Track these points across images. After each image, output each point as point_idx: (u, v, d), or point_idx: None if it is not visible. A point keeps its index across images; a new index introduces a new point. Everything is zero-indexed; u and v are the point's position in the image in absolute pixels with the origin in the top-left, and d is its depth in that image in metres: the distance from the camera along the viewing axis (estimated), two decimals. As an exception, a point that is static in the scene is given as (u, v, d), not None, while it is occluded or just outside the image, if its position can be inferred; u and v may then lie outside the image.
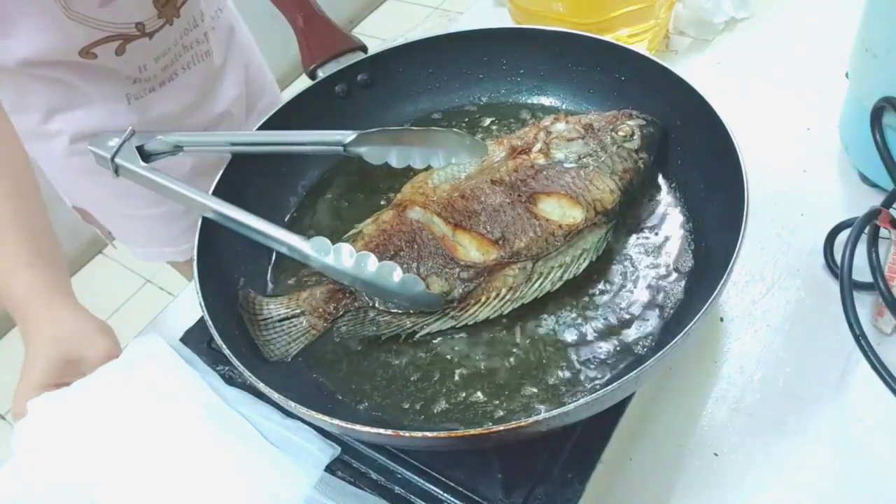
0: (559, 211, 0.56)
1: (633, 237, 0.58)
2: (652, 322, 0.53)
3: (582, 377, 0.50)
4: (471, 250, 0.55)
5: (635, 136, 0.59)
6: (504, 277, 0.54)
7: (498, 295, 0.54)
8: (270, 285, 0.60)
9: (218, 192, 0.57)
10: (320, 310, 0.55)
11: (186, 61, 0.76)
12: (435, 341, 0.54)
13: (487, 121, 0.70)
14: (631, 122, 0.60)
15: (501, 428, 0.42)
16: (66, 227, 0.85)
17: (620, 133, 0.59)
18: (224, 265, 0.58)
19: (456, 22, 1.10)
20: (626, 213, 0.59)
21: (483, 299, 0.54)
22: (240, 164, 0.61)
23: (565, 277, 0.55)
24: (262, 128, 0.63)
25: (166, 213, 0.85)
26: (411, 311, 0.54)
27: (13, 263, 0.52)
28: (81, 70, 0.68)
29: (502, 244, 0.54)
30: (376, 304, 0.55)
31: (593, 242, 0.56)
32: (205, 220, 0.56)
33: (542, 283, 0.54)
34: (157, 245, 0.89)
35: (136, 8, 0.67)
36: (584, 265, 0.55)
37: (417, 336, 0.54)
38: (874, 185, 0.66)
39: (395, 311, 0.54)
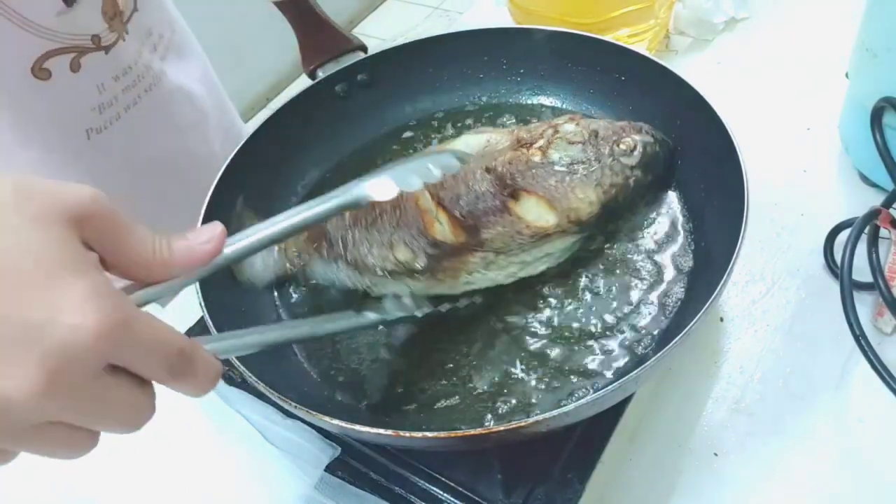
0: (536, 211, 0.55)
1: (633, 237, 0.58)
2: (652, 322, 0.53)
3: (582, 377, 0.50)
4: (446, 229, 0.55)
5: (635, 152, 0.57)
6: (465, 262, 0.55)
7: (454, 276, 0.55)
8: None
9: (217, 193, 0.57)
10: (298, 248, 0.57)
11: (148, 83, 0.70)
12: (437, 342, 0.54)
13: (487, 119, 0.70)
14: (637, 137, 0.58)
15: (501, 428, 0.42)
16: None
17: (622, 146, 0.57)
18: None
19: (456, 22, 1.10)
20: (626, 214, 0.59)
21: (440, 277, 0.55)
22: (238, 165, 0.61)
23: (519, 275, 0.55)
24: (258, 132, 0.63)
25: None
26: (377, 272, 0.55)
27: None
28: (34, 95, 0.62)
29: (472, 232, 0.55)
30: (347, 259, 0.56)
31: (559, 249, 0.56)
32: (205, 219, 0.56)
33: (496, 275, 0.55)
34: None
35: (92, 20, 0.63)
36: (542, 268, 0.56)
37: (372, 295, 0.55)
38: (874, 185, 0.66)
39: (363, 269, 0.55)
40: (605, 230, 0.58)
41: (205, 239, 0.34)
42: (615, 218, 0.58)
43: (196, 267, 0.34)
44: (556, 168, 0.57)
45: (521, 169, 0.57)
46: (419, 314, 0.51)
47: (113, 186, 0.33)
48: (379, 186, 0.43)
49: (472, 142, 0.61)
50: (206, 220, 0.56)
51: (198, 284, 0.52)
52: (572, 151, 0.58)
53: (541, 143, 0.59)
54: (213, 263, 0.35)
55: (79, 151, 0.67)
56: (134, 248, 0.32)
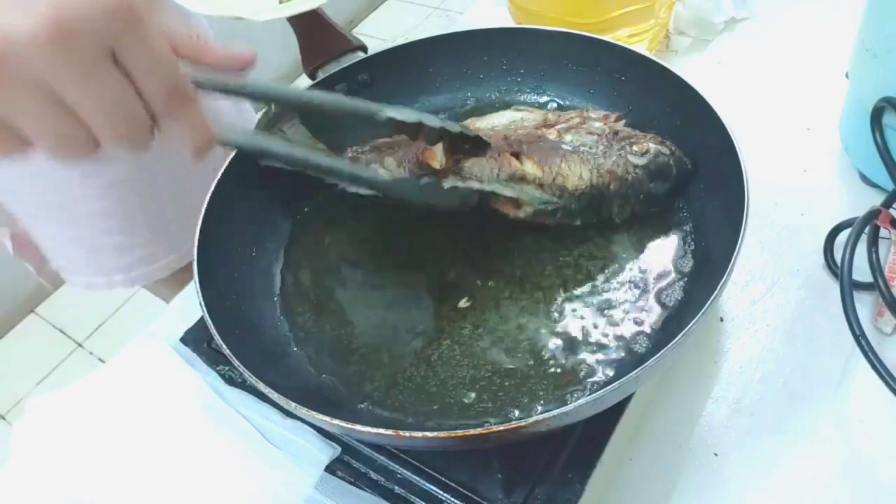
0: (530, 171, 0.57)
1: (633, 237, 0.58)
2: (652, 322, 0.53)
3: (581, 377, 0.50)
4: (441, 160, 0.57)
5: (647, 155, 0.57)
6: (440, 178, 0.58)
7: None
8: (279, 284, 0.61)
9: (220, 186, 0.57)
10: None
11: None
12: (438, 342, 0.54)
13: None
14: (653, 145, 0.58)
15: (501, 428, 0.42)
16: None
17: (635, 147, 0.57)
18: (224, 264, 0.58)
19: (456, 22, 1.10)
20: (621, 212, 0.58)
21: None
22: (240, 160, 0.61)
23: (482, 188, 0.56)
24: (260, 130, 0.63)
25: (121, 244, 0.79)
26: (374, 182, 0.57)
27: None
28: None
29: (457, 161, 0.57)
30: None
31: (531, 194, 0.56)
32: (205, 217, 0.56)
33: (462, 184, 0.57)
34: (102, 274, 0.82)
35: None
36: (507, 192, 0.56)
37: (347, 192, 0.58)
38: (874, 185, 0.66)
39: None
40: (593, 221, 0.58)
41: (241, 48, 0.38)
42: (600, 211, 0.57)
43: (234, 66, 0.37)
44: (563, 146, 0.57)
45: (532, 141, 0.58)
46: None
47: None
48: (401, 110, 0.50)
49: (503, 118, 0.63)
50: (207, 213, 0.56)
51: (198, 285, 0.52)
52: (585, 139, 0.58)
53: (563, 126, 0.59)
54: (245, 135, 0.42)
55: None
56: (173, 20, 0.33)
